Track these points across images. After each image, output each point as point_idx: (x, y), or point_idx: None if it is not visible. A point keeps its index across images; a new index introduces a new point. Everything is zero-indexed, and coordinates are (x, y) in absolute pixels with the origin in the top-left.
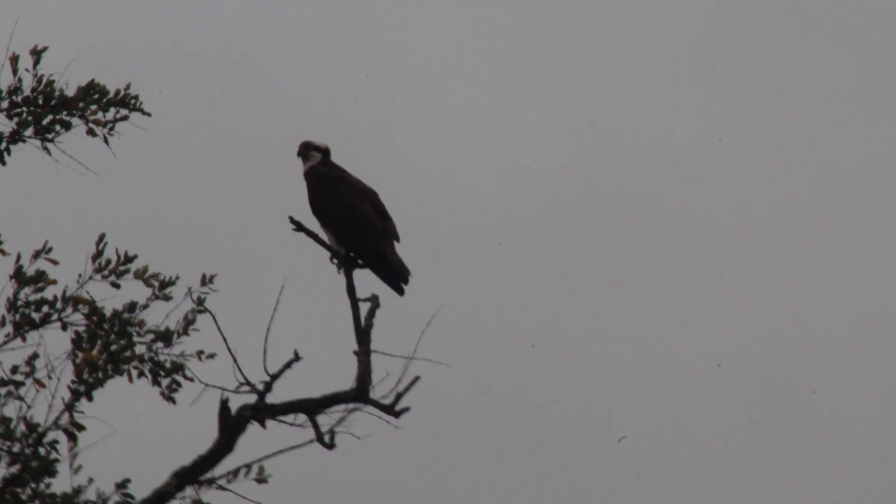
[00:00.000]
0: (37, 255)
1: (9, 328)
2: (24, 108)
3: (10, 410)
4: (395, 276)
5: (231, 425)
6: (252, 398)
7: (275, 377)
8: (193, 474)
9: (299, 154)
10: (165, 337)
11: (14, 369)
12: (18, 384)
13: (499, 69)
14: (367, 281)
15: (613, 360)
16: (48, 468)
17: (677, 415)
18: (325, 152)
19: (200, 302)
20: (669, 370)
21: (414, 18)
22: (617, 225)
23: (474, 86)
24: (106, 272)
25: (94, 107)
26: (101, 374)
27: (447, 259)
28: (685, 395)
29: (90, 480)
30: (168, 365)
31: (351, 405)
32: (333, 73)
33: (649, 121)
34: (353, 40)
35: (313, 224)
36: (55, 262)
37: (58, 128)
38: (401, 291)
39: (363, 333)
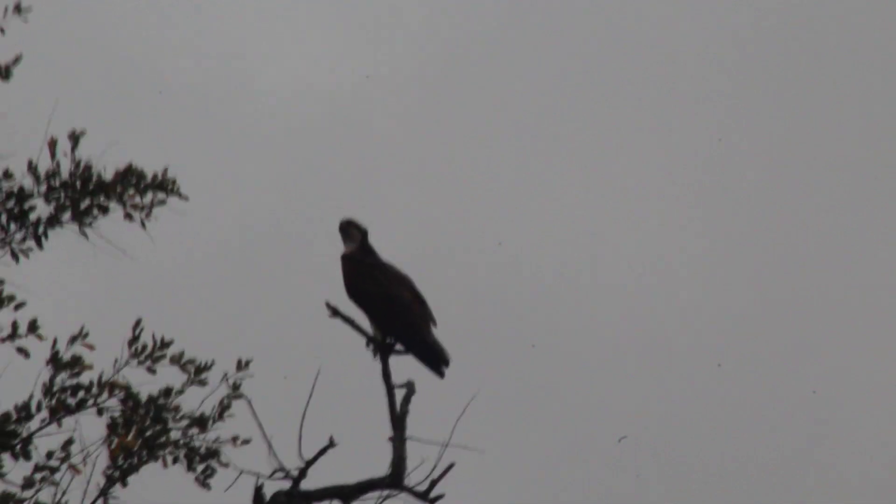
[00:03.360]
0: (73, 340)
1: (45, 413)
2: (62, 192)
3: (46, 496)
4: (435, 359)
5: None
6: (287, 484)
7: (310, 463)
8: None
9: (340, 230)
10: (201, 422)
11: (49, 455)
12: (53, 469)
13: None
14: (403, 366)
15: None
16: None
17: (677, 415)
18: (364, 234)
19: (236, 387)
20: (669, 370)
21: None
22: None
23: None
24: (142, 357)
25: (131, 191)
26: (135, 460)
27: (486, 344)
28: (685, 394)
29: None
30: (203, 450)
31: (385, 492)
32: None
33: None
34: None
35: (349, 309)
36: (91, 348)
37: (95, 212)
38: (441, 374)
39: (398, 419)
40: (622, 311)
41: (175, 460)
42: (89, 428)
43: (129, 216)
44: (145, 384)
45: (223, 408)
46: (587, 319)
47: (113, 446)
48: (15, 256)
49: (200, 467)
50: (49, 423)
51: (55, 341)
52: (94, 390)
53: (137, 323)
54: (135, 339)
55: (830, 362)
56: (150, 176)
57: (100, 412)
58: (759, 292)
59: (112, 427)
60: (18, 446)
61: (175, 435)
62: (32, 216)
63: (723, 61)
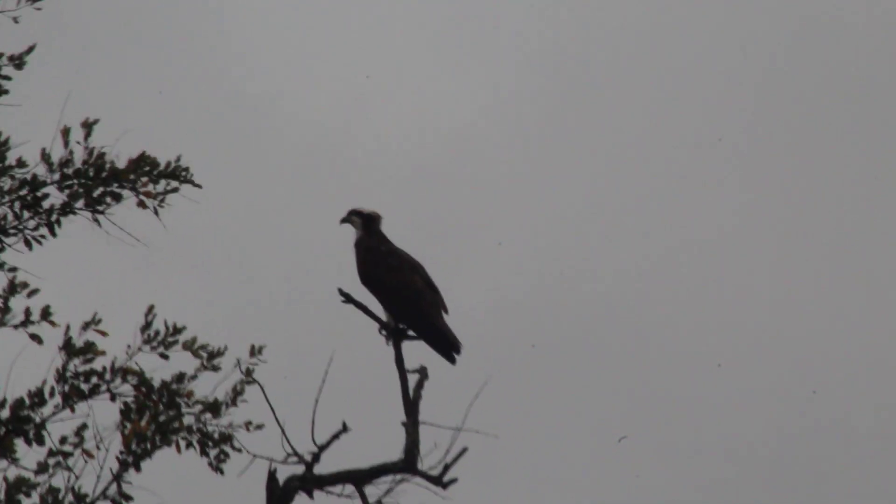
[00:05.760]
0: (86, 326)
1: (58, 399)
2: (76, 181)
3: (59, 481)
4: (447, 345)
5: (279, 496)
6: (300, 469)
7: (323, 448)
8: None
9: (348, 220)
10: (214, 408)
11: (63, 440)
12: (67, 454)
13: None
14: (416, 352)
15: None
16: None
17: (681, 414)
18: (373, 220)
19: (249, 373)
20: (670, 369)
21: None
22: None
23: None
24: (155, 343)
25: (144, 179)
26: (149, 445)
27: (498, 330)
28: (685, 394)
29: None
30: (216, 435)
31: (399, 476)
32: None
33: None
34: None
35: (362, 295)
36: (104, 334)
37: (108, 200)
38: (452, 360)
39: (411, 405)
40: (622, 310)
41: (188, 445)
42: (102, 413)
43: (142, 204)
44: (158, 370)
45: (236, 393)
46: (588, 321)
47: (126, 431)
48: (28, 244)
49: (213, 452)
50: (62, 409)
51: (68, 328)
52: (107, 376)
53: (150, 309)
54: (147, 325)
55: (830, 362)
56: (163, 164)
57: (113, 398)
58: (758, 292)
59: (125, 412)
60: (32, 432)
61: (188, 420)
62: (46, 204)
63: (721, 57)
